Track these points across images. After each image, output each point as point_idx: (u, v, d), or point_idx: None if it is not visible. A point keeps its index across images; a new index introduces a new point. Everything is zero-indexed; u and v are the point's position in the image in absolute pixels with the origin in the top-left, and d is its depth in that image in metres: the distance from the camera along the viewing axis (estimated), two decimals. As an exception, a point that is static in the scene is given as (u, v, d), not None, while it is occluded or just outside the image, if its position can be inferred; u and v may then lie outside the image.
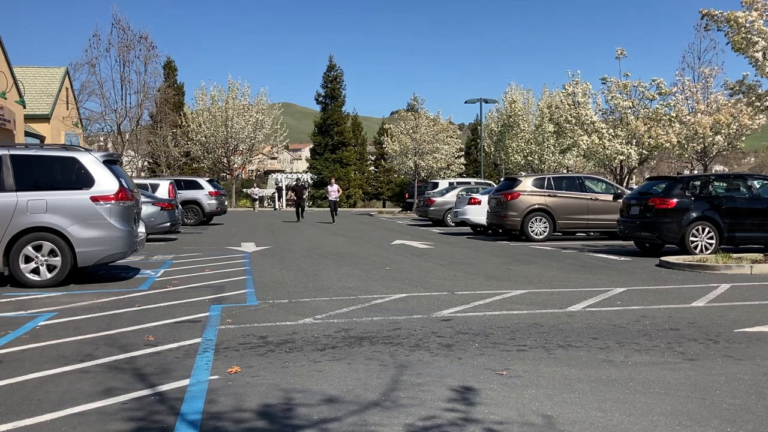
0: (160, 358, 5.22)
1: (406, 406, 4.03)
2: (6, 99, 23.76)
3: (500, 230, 19.69)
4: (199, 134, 53.16)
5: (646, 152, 24.76)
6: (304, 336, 6.06)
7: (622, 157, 24.43)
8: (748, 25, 12.18)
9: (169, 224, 18.28)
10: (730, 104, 24.55)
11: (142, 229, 10.90)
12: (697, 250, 12.95)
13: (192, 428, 3.67)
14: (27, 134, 27.33)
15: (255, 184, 61.68)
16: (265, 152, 62.64)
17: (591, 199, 18.20)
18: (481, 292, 8.76)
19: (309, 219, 31.23)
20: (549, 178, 18.68)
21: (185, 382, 4.55)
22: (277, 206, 51.03)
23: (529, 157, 40.66)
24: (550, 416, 3.85)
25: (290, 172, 69.24)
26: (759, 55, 12.15)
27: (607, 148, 24.19)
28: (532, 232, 17.86)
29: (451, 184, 30.72)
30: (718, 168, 64.24)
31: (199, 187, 27.22)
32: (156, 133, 49.68)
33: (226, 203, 31.59)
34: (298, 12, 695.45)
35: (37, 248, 9.17)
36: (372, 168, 70.21)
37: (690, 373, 4.79)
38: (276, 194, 54.07)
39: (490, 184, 29.05)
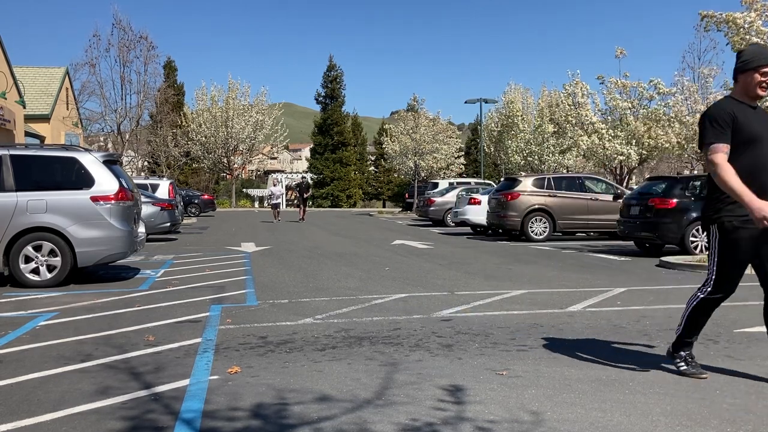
0: (160, 358, 5.22)
1: (404, 405, 4.03)
2: (6, 99, 23.75)
3: (500, 230, 19.69)
4: (199, 134, 53.16)
5: (645, 152, 24.75)
6: (304, 336, 6.06)
7: (621, 158, 24.41)
8: (746, 26, 12.19)
9: (169, 224, 18.32)
10: (729, 104, 24.48)
11: (142, 229, 10.90)
12: (697, 250, 12.95)
13: (191, 428, 3.67)
14: (27, 134, 27.33)
15: (274, 182, 57.73)
16: (265, 152, 62.62)
17: (591, 199, 18.20)
18: (481, 292, 8.76)
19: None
20: (549, 178, 18.69)
21: (185, 382, 4.55)
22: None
23: (529, 158, 40.68)
24: (550, 416, 3.85)
25: (290, 172, 69.02)
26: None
27: (607, 149, 24.17)
28: (532, 232, 17.86)
29: (451, 184, 30.71)
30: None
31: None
32: (156, 133, 49.64)
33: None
34: (298, 12, 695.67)
35: (37, 248, 9.17)
36: (372, 168, 70.24)
37: (690, 373, 4.78)
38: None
39: (490, 184, 29.04)
